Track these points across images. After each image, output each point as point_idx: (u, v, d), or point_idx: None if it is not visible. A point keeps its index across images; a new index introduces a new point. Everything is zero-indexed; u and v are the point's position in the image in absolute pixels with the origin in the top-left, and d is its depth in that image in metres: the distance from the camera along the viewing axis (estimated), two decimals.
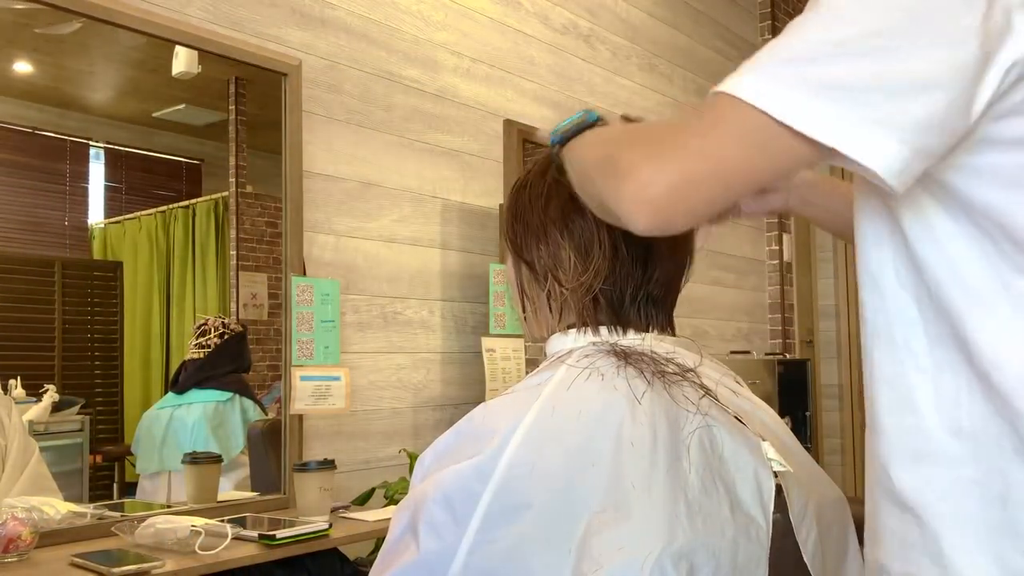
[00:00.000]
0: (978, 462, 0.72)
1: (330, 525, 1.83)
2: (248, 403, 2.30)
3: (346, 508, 2.13)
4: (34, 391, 1.92)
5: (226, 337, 2.28)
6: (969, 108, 0.67)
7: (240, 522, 1.79)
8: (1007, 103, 0.68)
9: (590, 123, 0.91)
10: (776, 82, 0.69)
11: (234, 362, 2.30)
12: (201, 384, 2.26)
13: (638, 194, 0.72)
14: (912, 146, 0.67)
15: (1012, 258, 0.71)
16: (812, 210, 1.09)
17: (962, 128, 0.68)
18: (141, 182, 2.33)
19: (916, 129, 0.66)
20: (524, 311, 1.05)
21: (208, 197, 2.38)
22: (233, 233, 2.33)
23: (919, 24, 0.66)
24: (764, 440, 0.91)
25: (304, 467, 1.97)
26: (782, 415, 2.92)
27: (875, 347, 0.79)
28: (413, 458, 2.35)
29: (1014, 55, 0.66)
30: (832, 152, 0.68)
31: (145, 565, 1.51)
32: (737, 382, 1.01)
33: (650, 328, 0.98)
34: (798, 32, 0.70)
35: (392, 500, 2.26)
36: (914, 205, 0.74)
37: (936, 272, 0.74)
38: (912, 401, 0.76)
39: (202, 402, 2.24)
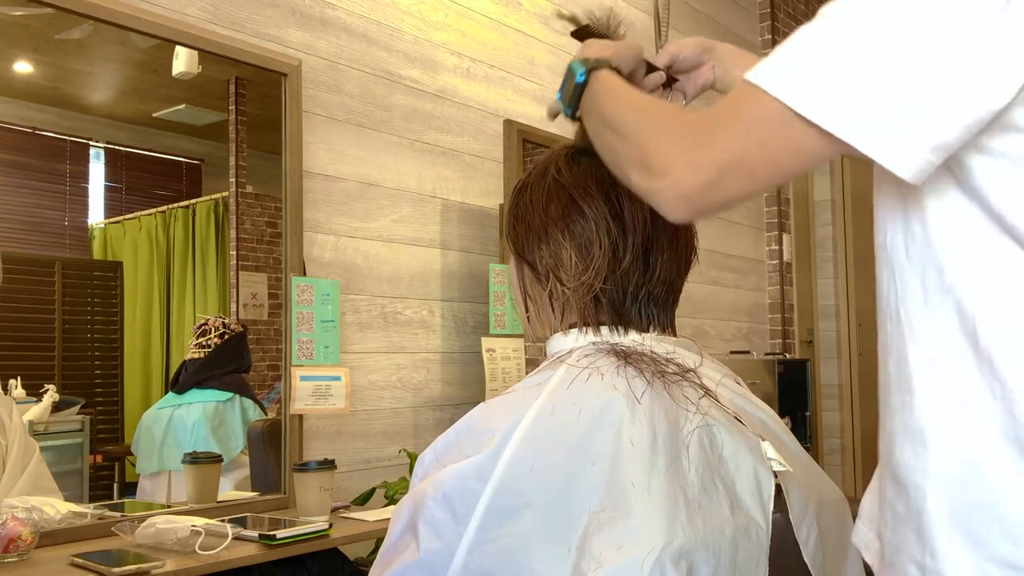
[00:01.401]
0: (967, 443, 0.72)
1: (330, 525, 1.83)
2: (248, 403, 2.31)
3: (346, 508, 2.13)
4: (34, 391, 1.92)
5: (226, 337, 2.28)
6: (992, 104, 0.66)
7: (240, 522, 1.79)
8: None
9: (582, 83, 0.94)
10: (799, 74, 0.70)
11: (234, 362, 2.30)
12: (201, 384, 2.26)
13: (675, 191, 0.77)
14: (929, 144, 0.67)
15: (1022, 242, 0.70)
16: (732, 79, 1.11)
17: (981, 121, 0.68)
18: (141, 182, 2.33)
19: (933, 127, 0.67)
20: (527, 311, 1.05)
21: (208, 197, 2.38)
22: (233, 233, 2.33)
23: (946, 23, 0.66)
24: (764, 440, 0.91)
25: (304, 467, 1.97)
26: (782, 415, 2.92)
27: (884, 323, 0.80)
28: (413, 458, 2.35)
29: None
30: (849, 147, 0.68)
31: (145, 565, 1.51)
32: (737, 382, 1.01)
33: (651, 328, 0.98)
34: (826, 24, 0.70)
35: (392, 500, 2.26)
36: (934, 183, 0.74)
37: (950, 248, 0.73)
38: (909, 379, 0.76)
39: (202, 402, 2.24)
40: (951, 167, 0.73)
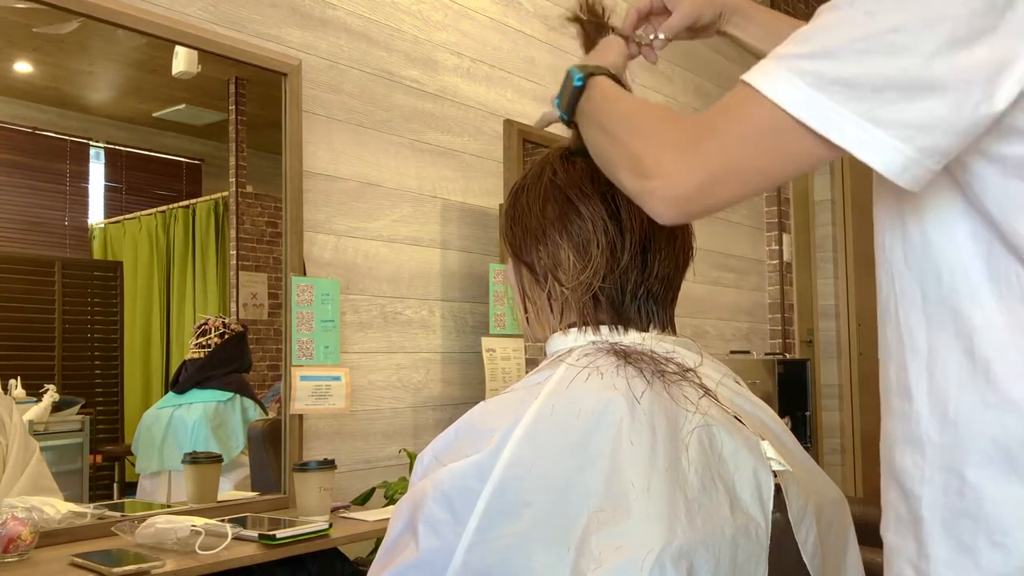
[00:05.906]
0: (959, 453, 0.73)
1: (330, 525, 1.83)
2: (248, 403, 2.31)
3: (346, 508, 2.13)
4: (34, 391, 1.92)
5: (226, 337, 2.28)
6: (986, 106, 0.66)
7: (240, 522, 1.79)
8: None
9: (579, 88, 0.94)
10: (794, 76, 0.69)
11: (234, 362, 2.31)
12: (201, 384, 2.26)
13: (665, 192, 0.76)
14: (918, 145, 0.66)
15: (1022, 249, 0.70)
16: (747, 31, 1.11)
17: (978, 126, 0.67)
18: (141, 182, 2.33)
19: (922, 129, 0.66)
20: (526, 312, 1.05)
21: (208, 197, 2.39)
22: (233, 233, 2.33)
23: (936, 22, 0.65)
24: (763, 439, 0.91)
25: (304, 467, 1.98)
26: (782, 415, 2.92)
27: (884, 327, 0.80)
28: (413, 458, 2.35)
29: None
30: (847, 154, 0.68)
31: (145, 565, 1.51)
32: (737, 382, 1.02)
33: (650, 326, 0.99)
34: (822, 24, 0.70)
35: (392, 500, 2.26)
36: (932, 189, 0.74)
37: (948, 256, 0.73)
38: (908, 386, 0.77)
39: (202, 402, 2.24)
40: (952, 172, 0.72)
